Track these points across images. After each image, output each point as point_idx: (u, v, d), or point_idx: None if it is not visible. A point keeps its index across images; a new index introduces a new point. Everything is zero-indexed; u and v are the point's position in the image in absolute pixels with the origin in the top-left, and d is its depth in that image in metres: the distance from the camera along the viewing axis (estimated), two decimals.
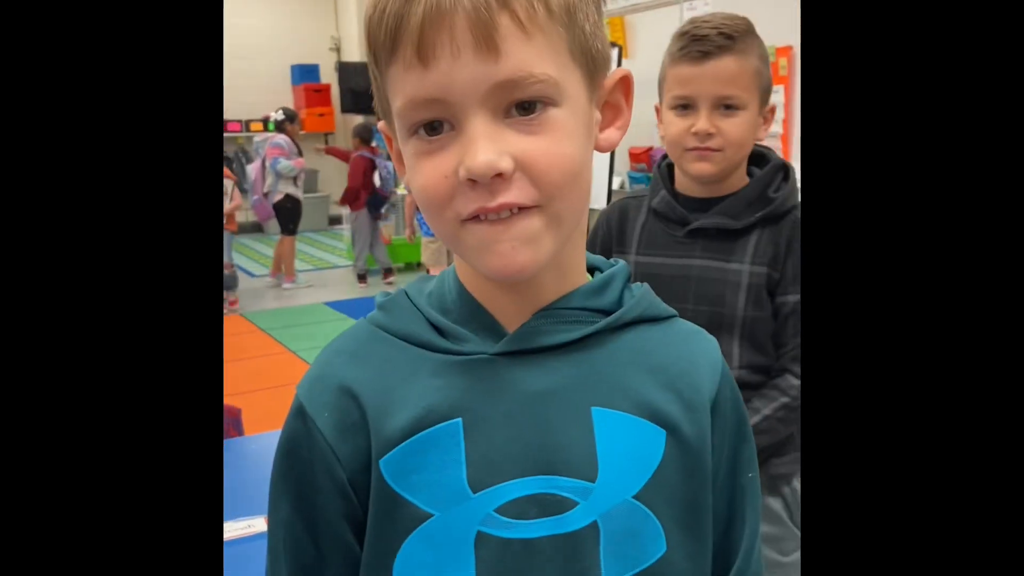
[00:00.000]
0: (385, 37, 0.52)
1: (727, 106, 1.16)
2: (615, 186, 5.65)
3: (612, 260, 0.64)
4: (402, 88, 0.52)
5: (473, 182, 0.51)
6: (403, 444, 0.56)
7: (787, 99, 4.40)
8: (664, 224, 1.25)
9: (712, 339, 0.66)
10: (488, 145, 0.50)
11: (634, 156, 5.80)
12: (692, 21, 1.18)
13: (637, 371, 0.60)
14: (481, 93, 0.50)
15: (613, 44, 5.62)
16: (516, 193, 0.52)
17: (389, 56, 0.52)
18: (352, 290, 6.55)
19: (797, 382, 1.19)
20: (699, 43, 1.15)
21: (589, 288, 0.61)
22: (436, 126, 0.52)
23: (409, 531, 0.56)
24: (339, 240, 8.69)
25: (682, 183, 1.25)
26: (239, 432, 2.12)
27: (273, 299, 6.34)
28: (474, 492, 0.56)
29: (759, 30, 1.23)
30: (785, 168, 1.24)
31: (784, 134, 4.38)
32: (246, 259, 8.00)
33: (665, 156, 1.27)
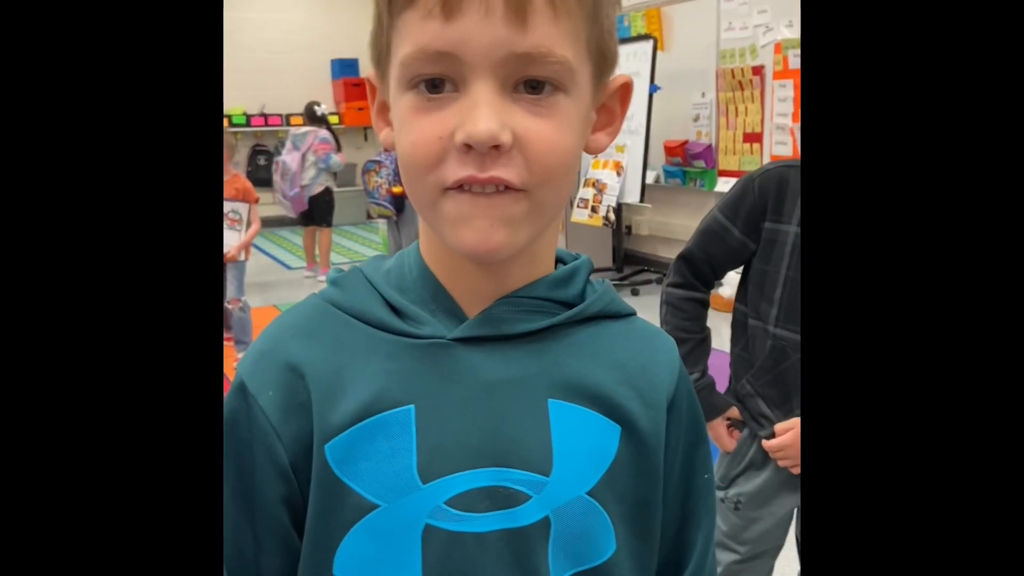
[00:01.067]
0: None
1: None
2: (649, 180, 5.62)
3: (575, 254, 0.63)
4: (415, 36, 0.50)
5: (468, 148, 0.49)
6: (351, 429, 0.54)
7: None
8: None
9: (670, 339, 0.65)
10: (491, 114, 0.49)
11: (669, 149, 5.76)
12: None
13: (596, 365, 0.58)
14: (497, 59, 0.49)
15: (648, 36, 5.59)
16: (509, 170, 0.50)
17: (409, 0, 0.50)
18: None
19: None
20: None
21: (553, 279, 0.59)
22: (438, 83, 0.50)
23: (352, 522, 0.54)
24: (374, 233, 8.77)
25: None
26: None
27: (309, 289, 6.40)
28: (424, 483, 0.53)
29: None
30: None
31: None
32: (283, 251, 8.11)
33: None
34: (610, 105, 0.58)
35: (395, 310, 0.57)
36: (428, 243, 0.59)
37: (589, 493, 0.56)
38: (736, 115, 5.30)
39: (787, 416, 1.28)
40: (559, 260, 0.62)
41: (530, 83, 0.50)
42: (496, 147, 0.49)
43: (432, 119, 0.50)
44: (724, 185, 5.36)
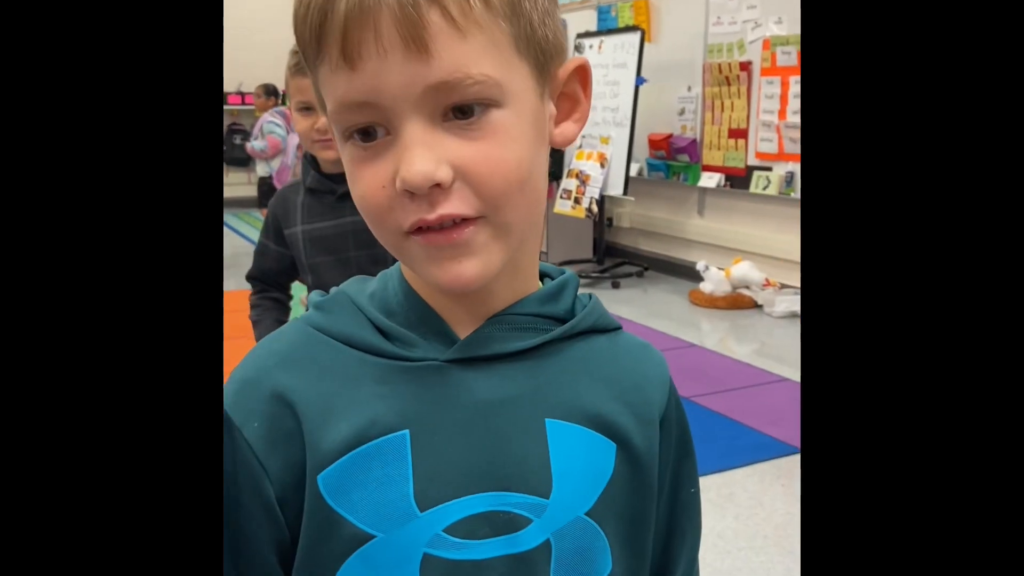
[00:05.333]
0: (310, 35, 0.48)
1: None
2: (633, 172, 5.60)
3: (561, 269, 0.61)
4: (332, 91, 0.49)
5: (411, 193, 0.48)
6: (344, 458, 0.52)
7: None
8: (319, 197, 1.59)
9: (660, 355, 0.64)
10: (424, 153, 0.47)
11: (653, 143, 5.74)
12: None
13: (590, 382, 0.57)
14: (414, 96, 0.46)
15: (635, 28, 5.55)
16: (457, 203, 0.48)
17: (316, 55, 0.49)
18: None
19: None
20: None
21: (542, 294, 0.57)
22: (370, 131, 0.49)
23: (347, 554, 0.51)
24: None
25: (325, 164, 1.60)
26: None
27: None
28: (421, 510, 0.51)
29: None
30: None
31: None
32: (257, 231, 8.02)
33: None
34: (569, 91, 0.55)
35: (383, 333, 0.55)
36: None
37: (587, 514, 0.55)
38: (722, 110, 5.28)
39: None
40: (545, 275, 0.61)
41: (459, 108, 0.48)
42: (437, 185, 0.47)
43: (372, 169, 0.49)
44: (708, 180, 5.35)
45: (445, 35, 0.46)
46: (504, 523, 0.52)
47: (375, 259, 1.53)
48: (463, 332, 0.55)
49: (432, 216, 0.48)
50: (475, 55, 0.47)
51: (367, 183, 0.50)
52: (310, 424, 0.52)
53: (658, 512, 0.61)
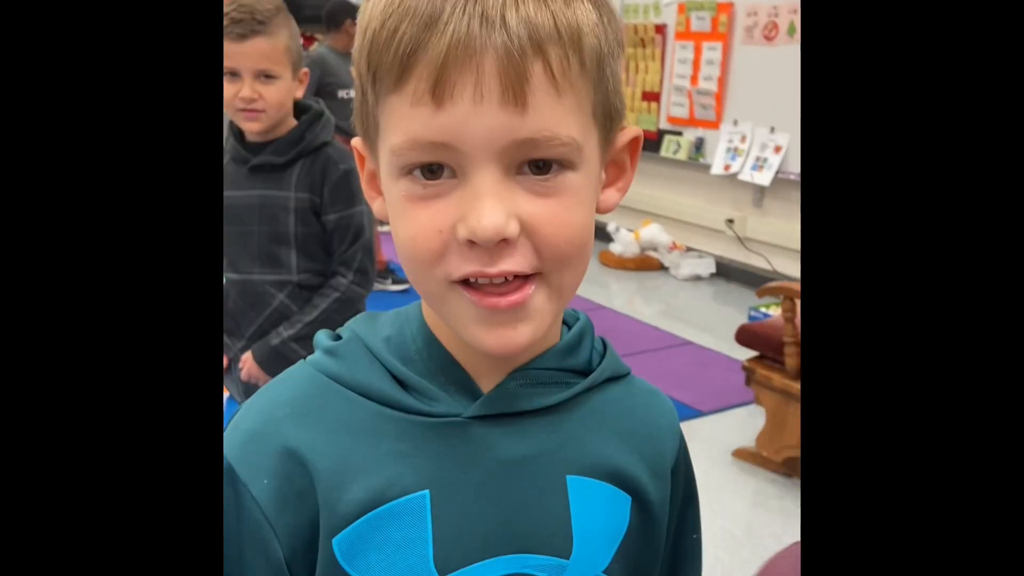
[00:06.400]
0: (394, 62, 0.44)
1: (266, 76, 1.46)
2: None
3: (574, 312, 0.59)
4: (405, 125, 0.45)
5: (472, 243, 0.45)
6: (360, 519, 0.49)
7: None
8: (235, 165, 1.55)
9: (669, 402, 0.63)
10: (496, 205, 0.44)
11: None
12: (232, 2, 1.43)
13: (609, 436, 0.56)
14: (498, 147, 0.44)
15: None
16: (519, 260, 0.46)
17: (395, 84, 0.45)
18: None
19: (346, 280, 1.54)
20: (237, 25, 1.41)
21: (563, 347, 0.56)
22: (435, 169, 0.46)
23: None
24: None
25: (249, 134, 1.55)
26: None
27: None
28: (441, 575, 0.49)
29: None
30: (320, 115, 1.56)
31: None
32: None
33: None
34: (619, 159, 0.54)
35: (401, 383, 0.52)
36: (431, 310, 0.54)
37: (604, 571, 0.54)
38: (636, 72, 5.30)
39: (242, 341, 1.59)
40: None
41: (535, 163, 0.45)
42: (504, 240, 0.45)
43: (431, 210, 0.46)
44: None
45: (543, 92, 0.44)
46: None
47: (277, 237, 1.52)
48: (484, 383, 0.53)
49: (493, 270, 0.46)
50: (565, 116, 0.45)
51: (423, 224, 0.46)
52: (325, 484, 0.49)
53: (662, 556, 0.61)
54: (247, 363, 1.56)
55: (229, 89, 1.46)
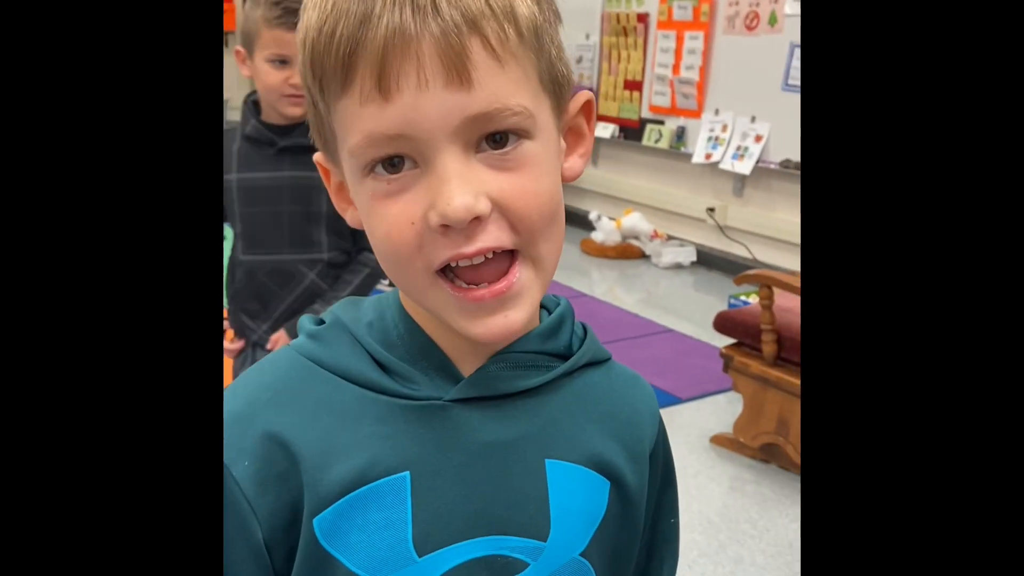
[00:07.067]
0: (337, 65, 0.45)
1: None
2: None
3: (554, 297, 0.60)
4: (358, 124, 0.46)
5: (446, 227, 0.46)
6: (341, 500, 0.50)
7: None
8: (256, 147, 1.55)
9: (649, 387, 0.64)
10: (463, 186, 0.45)
11: None
12: None
13: (587, 420, 0.57)
14: (452, 127, 0.45)
15: None
16: (495, 235, 0.47)
17: (341, 87, 0.46)
18: None
19: (374, 255, 1.50)
20: (292, 15, 1.41)
21: (544, 330, 0.56)
22: (396, 162, 0.46)
23: None
24: None
25: (268, 115, 1.55)
26: None
27: None
28: (420, 555, 0.50)
29: None
30: None
31: None
32: None
33: (252, 93, 1.60)
34: (576, 126, 0.55)
35: (383, 367, 0.53)
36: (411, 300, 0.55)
37: (581, 554, 0.55)
38: (619, 61, 5.30)
39: (268, 322, 1.60)
40: (542, 305, 0.59)
41: (492, 137, 0.46)
42: (476, 218, 0.46)
43: (400, 203, 0.47)
44: (603, 130, 5.39)
45: (485, 66, 0.45)
46: (501, 567, 0.52)
47: (309, 217, 1.54)
48: (465, 366, 0.54)
49: (471, 249, 0.46)
50: (512, 86, 0.46)
51: (393, 220, 0.47)
52: (307, 465, 0.50)
53: (640, 541, 0.62)
54: (280, 342, 1.56)
55: (279, 75, 1.49)
